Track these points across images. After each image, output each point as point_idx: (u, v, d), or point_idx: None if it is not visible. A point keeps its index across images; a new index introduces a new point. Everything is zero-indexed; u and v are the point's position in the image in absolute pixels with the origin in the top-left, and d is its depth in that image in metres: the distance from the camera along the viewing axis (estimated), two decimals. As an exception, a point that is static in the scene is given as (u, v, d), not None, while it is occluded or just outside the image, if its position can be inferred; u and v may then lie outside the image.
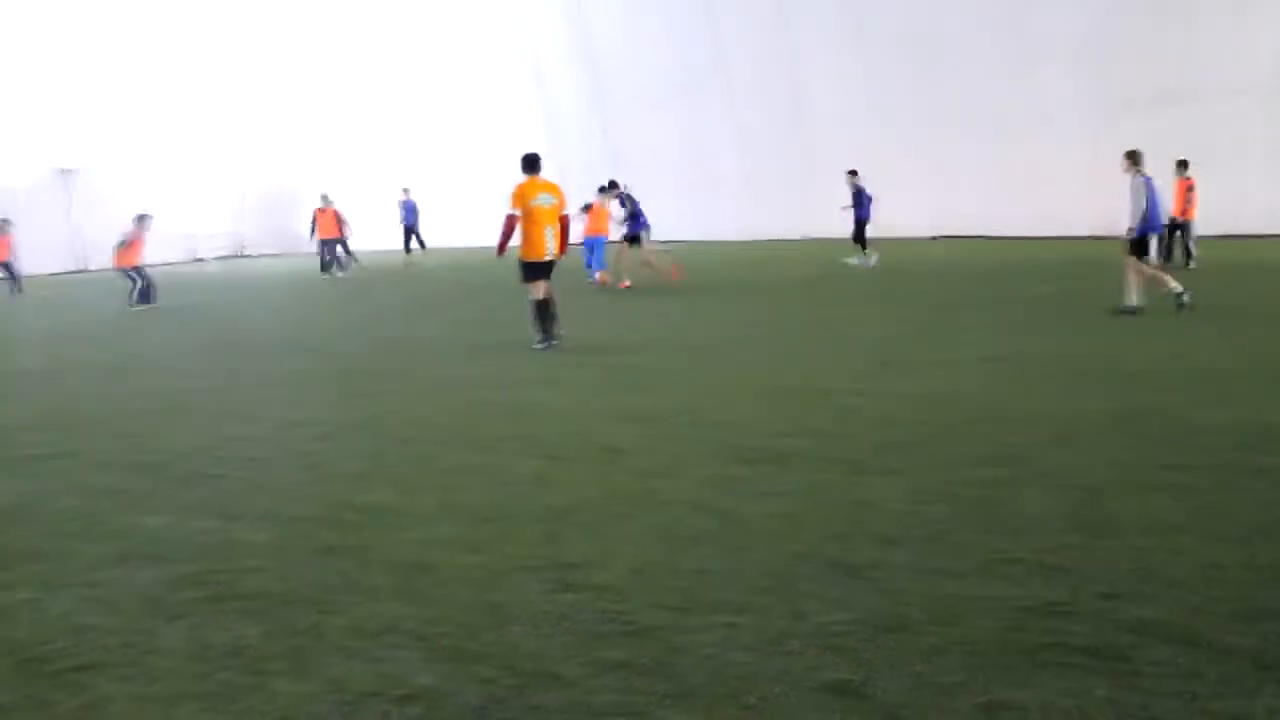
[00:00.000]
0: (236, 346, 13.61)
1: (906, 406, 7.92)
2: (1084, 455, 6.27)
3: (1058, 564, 4.51)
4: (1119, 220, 13.05)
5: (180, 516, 5.79)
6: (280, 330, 15.61)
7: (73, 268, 34.36)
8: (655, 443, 7.06)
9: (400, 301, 19.42)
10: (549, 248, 11.58)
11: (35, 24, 32.19)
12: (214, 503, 6.04)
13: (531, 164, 11.71)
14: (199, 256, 38.82)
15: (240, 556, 5.07)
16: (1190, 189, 18.33)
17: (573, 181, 34.71)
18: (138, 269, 20.04)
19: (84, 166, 35.71)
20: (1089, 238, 23.31)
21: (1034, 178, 25.80)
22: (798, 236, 30.02)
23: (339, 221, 26.09)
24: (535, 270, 11.60)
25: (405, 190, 29.39)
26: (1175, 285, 12.76)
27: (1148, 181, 12.81)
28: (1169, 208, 16.02)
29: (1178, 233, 18.27)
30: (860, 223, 22.37)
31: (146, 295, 19.84)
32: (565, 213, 11.91)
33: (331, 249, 26.10)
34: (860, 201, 22.52)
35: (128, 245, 20.12)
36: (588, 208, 20.09)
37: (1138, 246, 12.73)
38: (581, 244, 18.96)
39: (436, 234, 35.96)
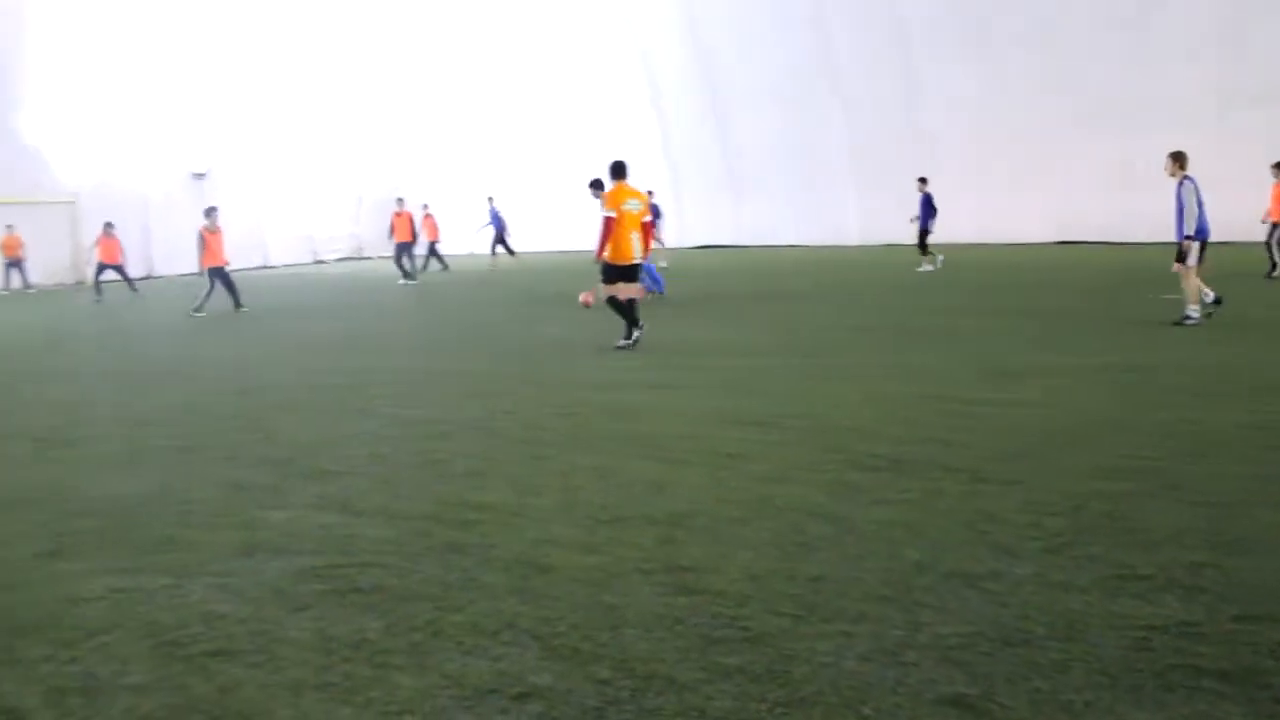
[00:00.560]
0: (353, 344, 13.94)
1: (1026, 414, 7.74)
2: (1218, 468, 6.03)
3: (1189, 582, 4.34)
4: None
5: (304, 511, 5.96)
6: (392, 329, 15.92)
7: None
8: (769, 447, 7.02)
9: (495, 303, 19.65)
10: (635, 251, 12.05)
11: (171, 36, 33.43)
12: (336, 498, 6.19)
13: (620, 170, 12.23)
14: (320, 258, 39.92)
15: (362, 551, 5.19)
16: None
17: (688, 185, 35.13)
18: (218, 270, 19.90)
19: (214, 170, 37.06)
20: (1218, 243, 22.47)
21: (1158, 180, 24.99)
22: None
23: (414, 226, 26.47)
24: (620, 273, 12.11)
25: (490, 199, 30.44)
26: (1202, 297, 12.46)
27: (1195, 184, 12.40)
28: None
29: (1276, 232, 17.48)
30: (922, 231, 22.64)
31: (234, 295, 19.87)
32: (648, 219, 12.35)
33: (407, 252, 26.13)
34: (926, 210, 22.68)
35: (205, 244, 19.88)
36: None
37: (1185, 252, 12.34)
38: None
39: (549, 239, 36.43)
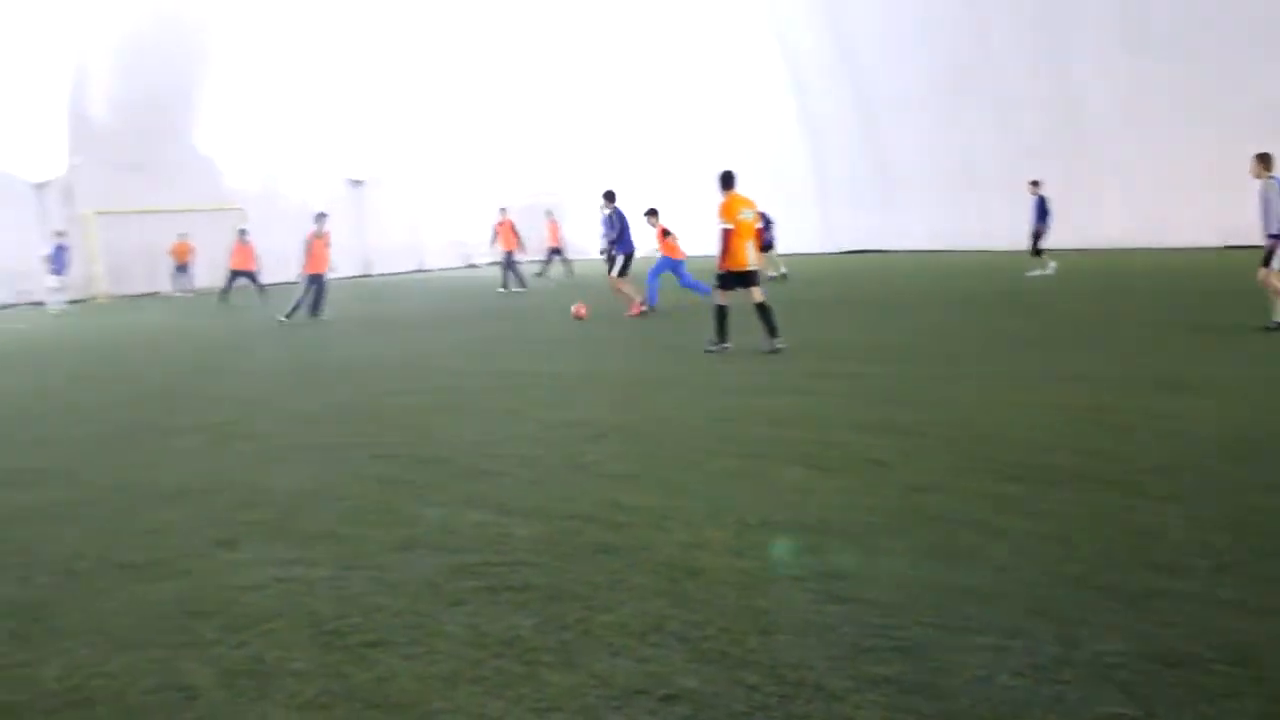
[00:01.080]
0: (502, 346, 14.23)
1: (1186, 425, 7.40)
2: (1407, 489, 5.67)
3: (1376, 607, 4.10)
4: None
5: (459, 509, 6.11)
6: (533, 334, 16.16)
7: (360, 272, 36.89)
8: (918, 455, 6.89)
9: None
10: (750, 258, 12.31)
11: (332, 48, 34.73)
12: (490, 497, 6.33)
13: (730, 181, 12.50)
14: (471, 262, 40.85)
15: (514, 550, 5.29)
16: None
17: (833, 189, 34.74)
18: (316, 277, 19.80)
19: (372, 178, 38.40)
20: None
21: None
22: (1072, 246, 28.61)
23: (517, 233, 26.38)
24: (735, 279, 12.33)
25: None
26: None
27: None
28: None
29: None
30: (1036, 235, 22.23)
31: (315, 306, 19.77)
32: (759, 226, 12.68)
33: (510, 260, 25.96)
34: (1040, 213, 22.24)
35: (310, 249, 19.77)
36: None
37: (1271, 255, 12.03)
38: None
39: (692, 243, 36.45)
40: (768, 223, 20.77)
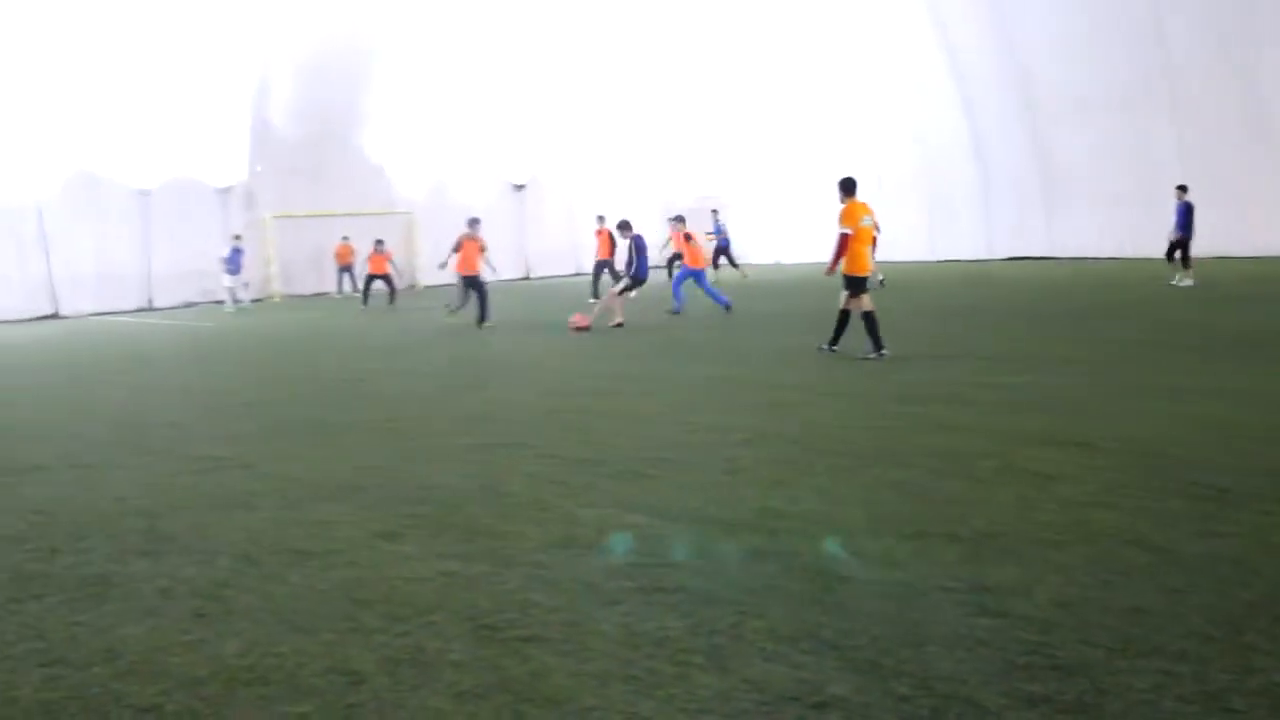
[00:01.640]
0: (651, 351, 14.34)
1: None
2: None
3: None
4: None
5: (615, 510, 6.20)
6: (683, 338, 16.22)
7: (520, 276, 37.64)
8: (1081, 469, 6.67)
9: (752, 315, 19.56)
10: (870, 264, 12.75)
11: (496, 55, 35.54)
12: (645, 500, 6.40)
13: (852, 187, 12.73)
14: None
15: (668, 553, 5.35)
16: None
17: (997, 195, 33.84)
18: (471, 279, 19.71)
19: (532, 182, 39.17)
20: None
21: None
22: (1252, 254, 27.23)
23: (613, 243, 25.60)
24: (862, 284, 12.55)
25: (715, 212, 31.22)
26: None
27: None
28: None
29: None
30: (1182, 243, 21.38)
31: (481, 314, 19.43)
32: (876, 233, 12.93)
33: (600, 269, 25.64)
34: (1184, 219, 21.40)
35: (460, 251, 19.74)
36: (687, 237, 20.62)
37: None
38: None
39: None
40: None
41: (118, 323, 25.78)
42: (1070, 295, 20.61)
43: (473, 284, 19.75)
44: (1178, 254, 21.48)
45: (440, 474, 7.42)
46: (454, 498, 6.68)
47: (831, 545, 5.37)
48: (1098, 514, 5.66)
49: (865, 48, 35.68)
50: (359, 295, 28.58)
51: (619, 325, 17.85)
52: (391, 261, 28.04)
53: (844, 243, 12.39)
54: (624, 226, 19.37)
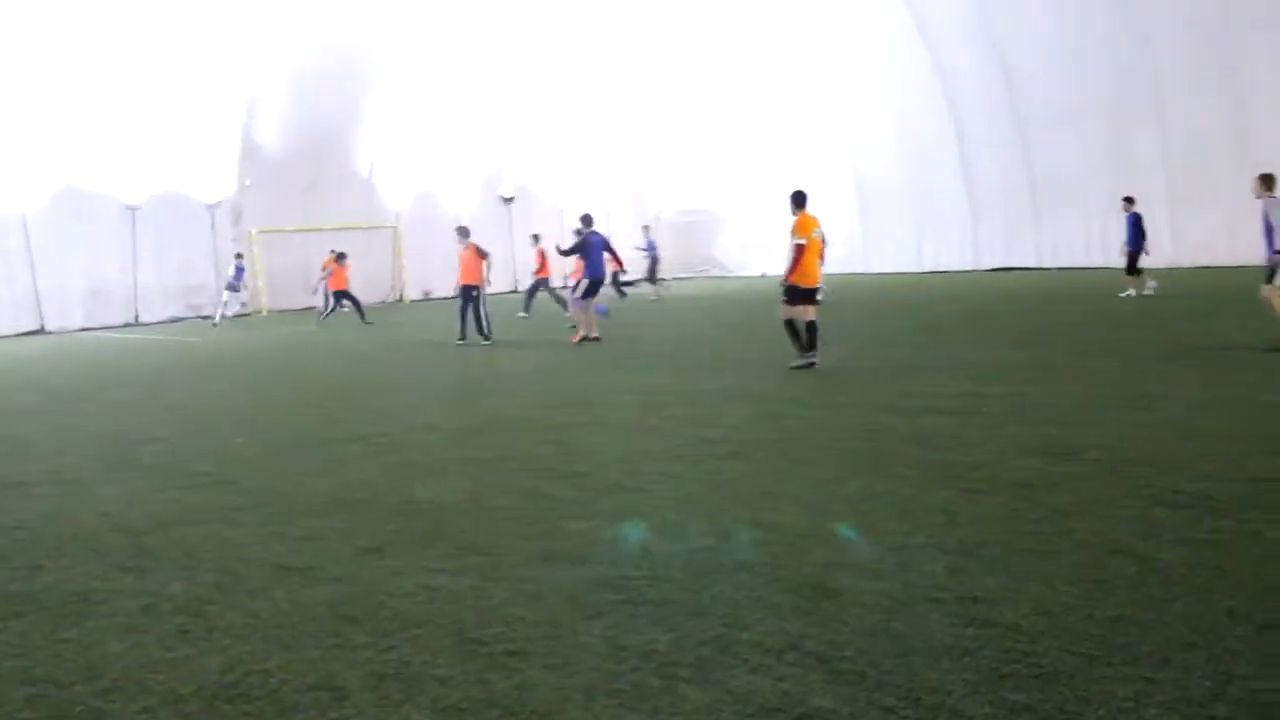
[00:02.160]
0: (637, 363, 14.34)
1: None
2: None
3: None
4: None
5: (599, 523, 6.19)
6: (676, 349, 16.24)
7: (509, 289, 37.65)
8: (1067, 479, 6.69)
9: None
10: (818, 275, 12.94)
11: (485, 70, 35.63)
12: (631, 512, 6.39)
13: (802, 200, 12.98)
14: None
15: (653, 565, 5.34)
16: None
17: (986, 206, 33.98)
18: (463, 289, 19.17)
19: (520, 195, 39.26)
20: None
21: None
22: (1234, 263, 27.34)
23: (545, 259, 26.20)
24: (804, 295, 12.74)
25: (646, 228, 32.43)
26: None
27: None
28: None
29: None
30: (1133, 254, 21.68)
31: (479, 327, 18.81)
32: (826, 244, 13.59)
33: (536, 288, 26.13)
34: (1134, 231, 21.73)
35: (463, 262, 19.20)
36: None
37: (1273, 274, 12.43)
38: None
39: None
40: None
41: (104, 338, 25.73)
42: (1055, 305, 20.71)
43: (463, 293, 19.20)
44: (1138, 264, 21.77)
45: (428, 487, 7.41)
46: (440, 512, 6.67)
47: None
48: (1081, 523, 5.67)
49: (853, 61, 35.86)
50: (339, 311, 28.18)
51: (594, 339, 17.66)
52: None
53: (799, 253, 12.63)
54: (585, 221, 18.74)
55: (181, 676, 4.25)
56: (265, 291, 32.45)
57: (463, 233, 19.79)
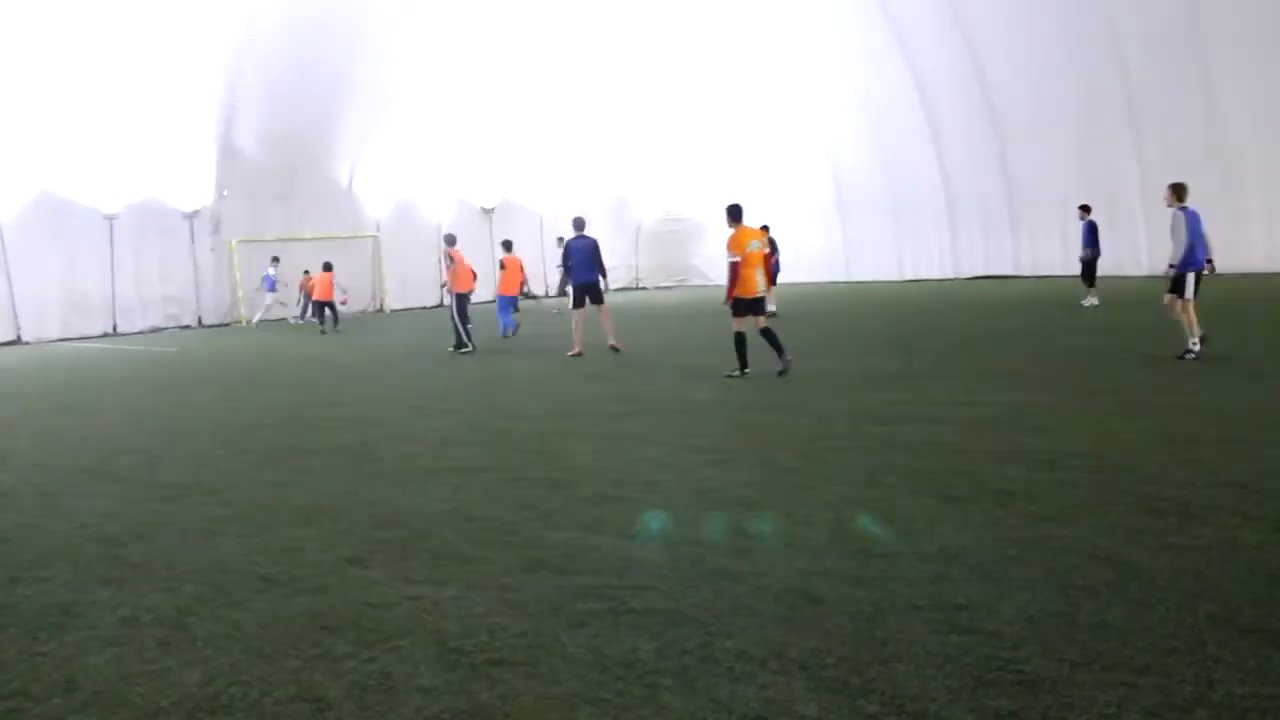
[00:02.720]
0: (619, 373, 14.35)
1: (1347, 462, 7.05)
2: None
3: None
4: None
5: (583, 532, 6.19)
6: (660, 359, 16.25)
7: (490, 298, 37.60)
8: (1049, 486, 6.73)
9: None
10: (759, 285, 13.03)
11: (467, 81, 35.59)
12: (614, 522, 6.39)
13: (738, 214, 13.31)
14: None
15: (636, 574, 5.34)
16: None
17: (965, 216, 34.16)
18: (456, 295, 19.10)
19: (501, 206, 39.27)
20: None
21: None
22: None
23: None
24: (747, 306, 13.03)
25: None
26: (1194, 332, 12.37)
27: (1190, 215, 12.44)
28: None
29: None
30: (1089, 261, 22.01)
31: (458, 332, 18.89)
32: (767, 253, 13.73)
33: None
34: (1089, 238, 22.01)
35: (450, 271, 19.37)
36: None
37: (1176, 284, 12.64)
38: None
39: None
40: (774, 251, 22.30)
41: (82, 348, 25.54)
42: (1033, 313, 20.81)
43: (456, 298, 19.12)
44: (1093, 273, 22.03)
45: (412, 497, 7.39)
46: (422, 522, 6.65)
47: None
48: (1062, 530, 5.70)
49: (833, 72, 35.96)
50: (317, 321, 28.14)
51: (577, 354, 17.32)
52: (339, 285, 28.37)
53: (735, 270, 12.85)
54: (578, 225, 18.20)
55: (162, 689, 4.22)
56: (246, 302, 32.30)
57: (450, 239, 20.09)
